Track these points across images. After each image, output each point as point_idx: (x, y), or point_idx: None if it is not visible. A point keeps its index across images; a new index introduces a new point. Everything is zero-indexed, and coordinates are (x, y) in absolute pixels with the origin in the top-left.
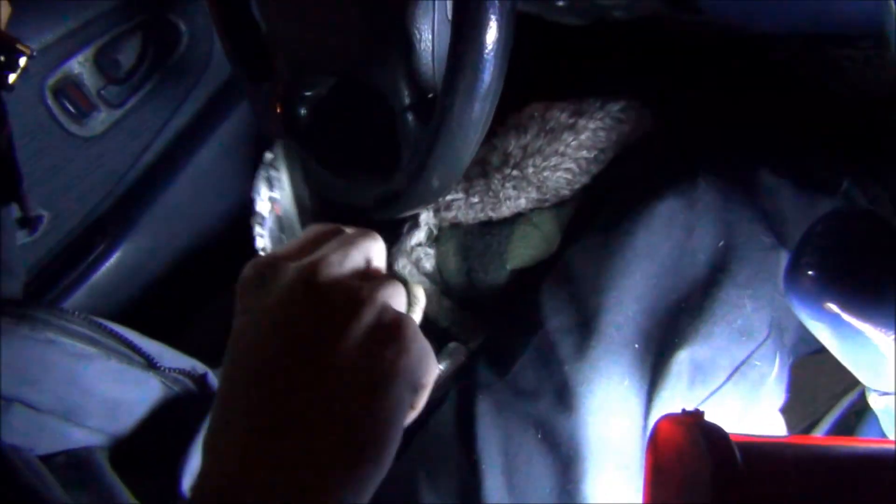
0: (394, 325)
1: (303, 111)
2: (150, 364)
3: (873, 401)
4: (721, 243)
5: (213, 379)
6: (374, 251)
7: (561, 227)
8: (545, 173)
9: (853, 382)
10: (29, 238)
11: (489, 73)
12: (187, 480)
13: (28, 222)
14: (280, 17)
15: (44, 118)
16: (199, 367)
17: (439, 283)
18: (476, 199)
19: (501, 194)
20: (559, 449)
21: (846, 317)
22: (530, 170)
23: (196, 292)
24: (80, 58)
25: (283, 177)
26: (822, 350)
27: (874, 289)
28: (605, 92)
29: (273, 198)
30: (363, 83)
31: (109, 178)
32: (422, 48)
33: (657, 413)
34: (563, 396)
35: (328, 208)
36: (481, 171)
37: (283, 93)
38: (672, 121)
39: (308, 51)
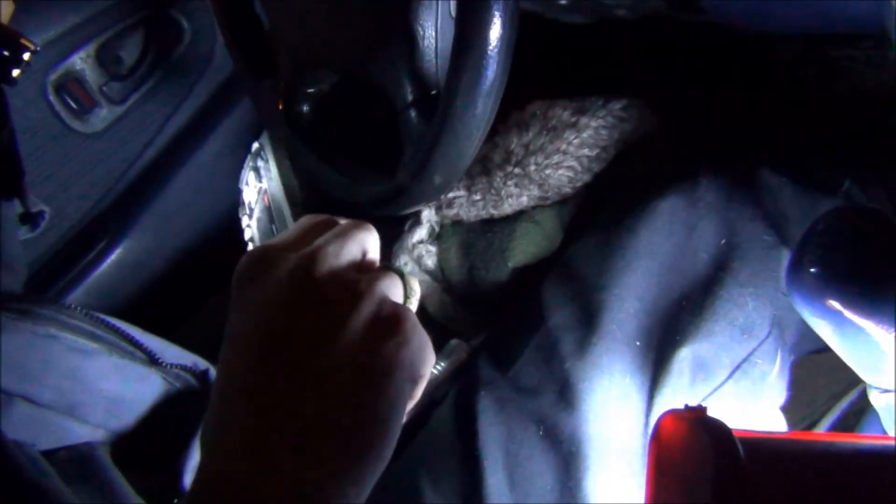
0: (393, 317)
1: (305, 108)
2: (152, 360)
3: (874, 398)
4: (723, 241)
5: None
6: (370, 243)
7: (563, 224)
8: (547, 171)
9: (852, 382)
10: (30, 234)
11: (493, 71)
12: (189, 476)
13: (29, 218)
14: (283, 13)
15: (45, 114)
16: (201, 363)
17: (441, 281)
18: (478, 197)
19: (503, 192)
20: (561, 446)
21: (848, 314)
22: (532, 167)
23: (196, 289)
24: (82, 54)
25: (272, 167)
26: (821, 350)
27: (876, 286)
28: (607, 90)
29: (262, 188)
30: (366, 80)
31: (110, 175)
32: (425, 45)
33: (659, 410)
34: (565, 393)
35: (318, 198)
36: (483, 168)
37: (285, 89)
38: (674, 120)
39: (311, 48)
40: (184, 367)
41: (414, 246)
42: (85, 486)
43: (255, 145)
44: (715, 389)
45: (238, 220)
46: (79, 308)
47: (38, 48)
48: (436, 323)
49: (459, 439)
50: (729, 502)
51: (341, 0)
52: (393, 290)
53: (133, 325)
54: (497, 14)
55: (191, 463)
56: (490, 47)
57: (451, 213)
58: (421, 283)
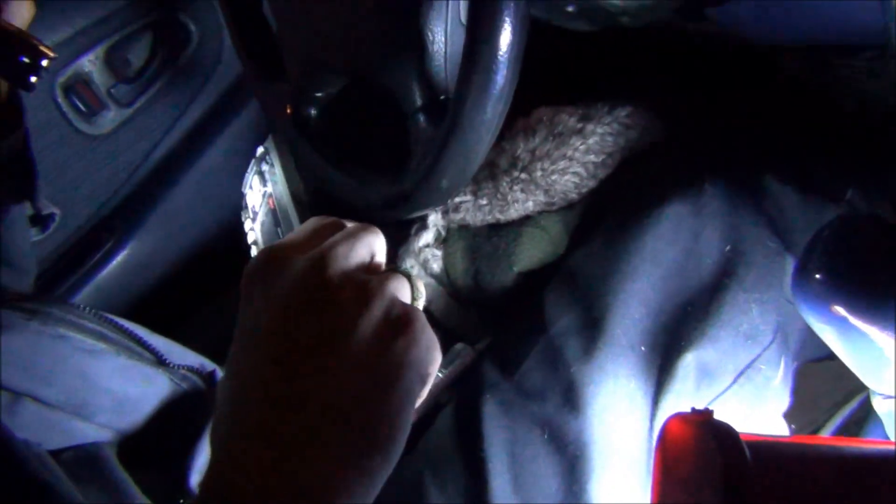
0: (403, 317)
1: (313, 111)
2: (159, 361)
3: (878, 404)
4: (727, 248)
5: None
6: (377, 246)
7: (568, 230)
8: (553, 177)
9: (853, 391)
10: (40, 236)
11: (503, 76)
12: (195, 476)
13: (40, 220)
14: (292, 17)
15: (53, 115)
16: (208, 364)
17: (446, 285)
18: (484, 202)
19: (509, 197)
20: (565, 449)
21: (853, 320)
22: (538, 173)
23: (202, 290)
24: (90, 56)
25: (278, 171)
26: (824, 358)
27: (881, 292)
28: (612, 98)
29: (267, 192)
30: (374, 84)
31: (117, 177)
32: (434, 50)
33: (663, 414)
34: (570, 397)
35: (324, 201)
36: (490, 173)
37: (293, 93)
38: (678, 127)
39: (319, 51)
40: (190, 369)
41: (420, 250)
42: (92, 485)
43: (260, 149)
44: (719, 395)
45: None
46: (87, 308)
47: (56, 55)
48: (441, 326)
49: (464, 442)
50: None
51: (351, 4)
52: (401, 291)
53: (139, 325)
54: (508, 20)
55: (197, 463)
56: (500, 53)
57: (458, 217)
58: (426, 286)
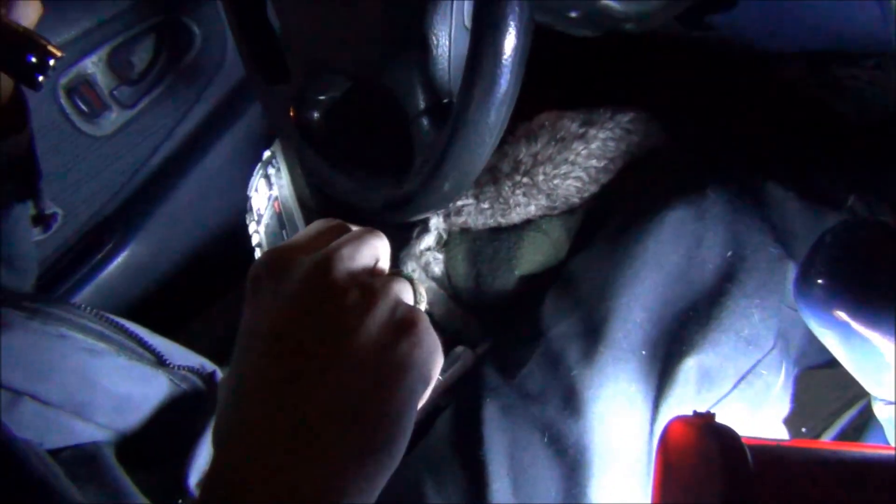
0: (407, 318)
1: (316, 114)
2: (160, 361)
3: (878, 410)
4: (729, 253)
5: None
6: (381, 249)
7: (569, 234)
8: (555, 181)
9: (853, 398)
10: (42, 236)
11: (506, 80)
12: (194, 477)
13: (42, 220)
14: (296, 19)
15: (56, 116)
16: (208, 365)
17: (448, 288)
18: (486, 205)
19: (511, 201)
20: (566, 453)
21: (854, 325)
22: (540, 177)
23: (204, 292)
24: (93, 58)
25: (284, 175)
26: (824, 364)
27: (882, 297)
28: (615, 103)
29: (272, 195)
30: (378, 87)
31: (119, 178)
32: (438, 53)
33: (664, 418)
34: (570, 401)
35: (328, 204)
36: (492, 177)
37: (296, 96)
38: (681, 132)
39: (323, 54)
40: (191, 369)
41: (421, 253)
42: (91, 485)
43: (267, 153)
44: (720, 399)
45: (245, 226)
46: (88, 308)
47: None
48: (442, 329)
49: (464, 445)
50: None
51: (355, 7)
52: (405, 293)
53: (139, 326)
54: (512, 24)
55: (196, 463)
56: (504, 57)
57: (460, 220)
58: (427, 289)
